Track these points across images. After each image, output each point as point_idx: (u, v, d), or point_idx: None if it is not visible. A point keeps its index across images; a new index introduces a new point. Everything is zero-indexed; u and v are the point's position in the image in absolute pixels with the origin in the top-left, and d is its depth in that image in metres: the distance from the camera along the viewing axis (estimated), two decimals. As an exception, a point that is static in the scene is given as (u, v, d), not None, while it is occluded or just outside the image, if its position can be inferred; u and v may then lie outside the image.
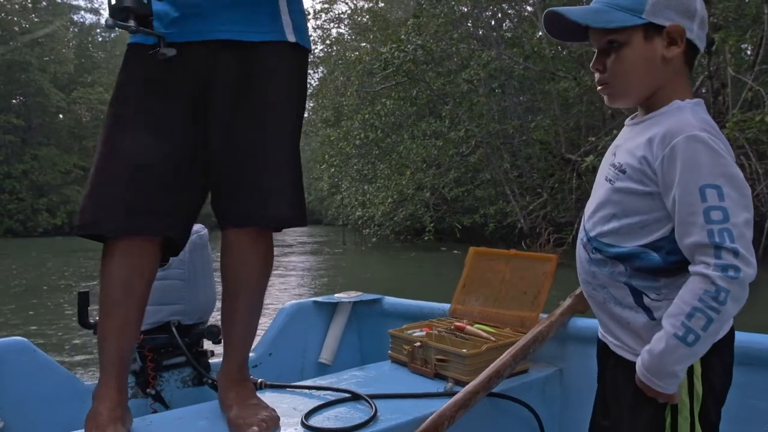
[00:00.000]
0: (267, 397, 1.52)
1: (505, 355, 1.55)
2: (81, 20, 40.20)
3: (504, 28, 15.89)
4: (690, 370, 1.06)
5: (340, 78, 18.53)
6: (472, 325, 1.84)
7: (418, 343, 1.71)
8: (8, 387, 1.70)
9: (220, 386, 1.48)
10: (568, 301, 1.74)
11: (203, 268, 1.96)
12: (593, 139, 11.34)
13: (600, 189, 1.17)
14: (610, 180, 1.13)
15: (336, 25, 23.25)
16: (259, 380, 1.64)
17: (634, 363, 1.08)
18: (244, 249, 1.44)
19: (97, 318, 1.85)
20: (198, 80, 1.40)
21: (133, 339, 1.46)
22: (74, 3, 36.57)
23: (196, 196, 1.47)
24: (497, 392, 1.55)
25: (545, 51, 13.05)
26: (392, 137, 15.77)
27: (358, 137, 15.62)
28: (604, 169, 1.18)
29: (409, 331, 1.84)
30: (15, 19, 34.29)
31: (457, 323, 1.86)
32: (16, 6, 34.75)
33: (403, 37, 13.85)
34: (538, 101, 14.60)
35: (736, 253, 0.97)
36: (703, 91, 10.50)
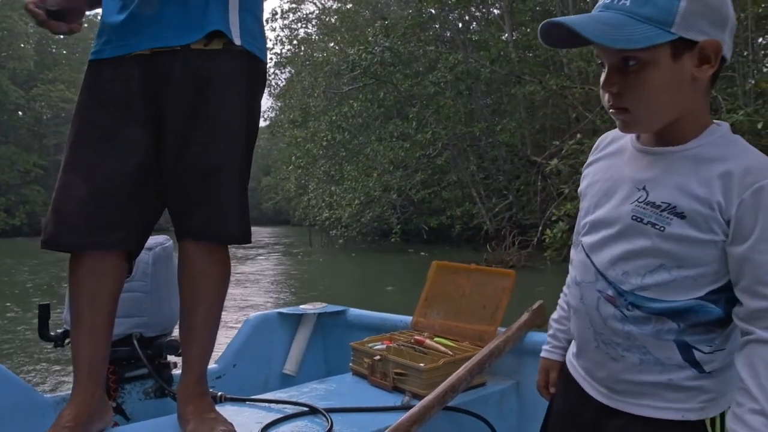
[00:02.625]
0: (226, 410, 1.53)
1: (461, 370, 1.59)
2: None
3: (471, 30, 16.05)
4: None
5: (308, 79, 18.48)
6: (432, 339, 1.88)
7: (378, 357, 1.75)
8: None
9: (179, 400, 1.50)
10: (525, 316, 1.79)
11: (167, 280, 1.96)
12: (558, 142, 11.54)
13: (630, 232, 0.96)
14: (653, 224, 0.93)
15: (303, 26, 23.18)
16: (219, 393, 1.65)
17: (673, 422, 0.96)
18: (200, 262, 1.47)
19: (59, 331, 1.86)
20: (154, 93, 1.42)
21: (103, 348, 1.47)
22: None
23: (154, 210, 1.50)
24: (454, 406, 1.59)
25: (511, 54, 13.23)
26: (359, 139, 15.83)
27: (325, 138, 15.64)
28: (619, 203, 0.99)
29: (370, 344, 1.87)
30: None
31: (417, 337, 1.90)
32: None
33: (370, 39, 13.90)
34: (505, 104, 14.80)
35: None
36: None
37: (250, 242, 1.51)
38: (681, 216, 0.91)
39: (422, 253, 14.30)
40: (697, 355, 0.95)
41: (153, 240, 1.91)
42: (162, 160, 1.44)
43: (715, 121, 0.96)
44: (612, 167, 1.04)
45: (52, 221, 1.38)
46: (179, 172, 1.43)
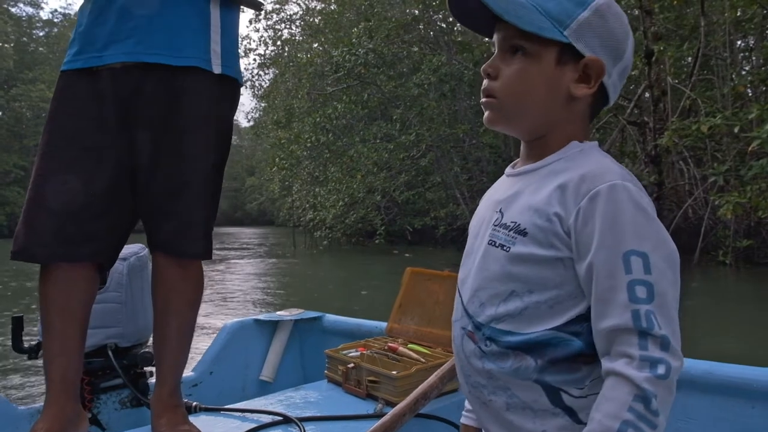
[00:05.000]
0: (200, 420, 1.55)
1: (433, 377, 1.61)
2: (19, 13, 38.77)
3: (455, 32, 16.12)
4: None
5: (292, 80, 18.46)
6: (405, 345, 1.91)
7: (352, 365, 1.77)
8: None
9: (153, 411, 1.51)
10: (495, 322, 1.81)
11: (142, 290, 1.97)
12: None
13: (485, 258, 0.90)
14: (502, 245, 0.87)
15: (287, 26, 23.14)
16: (194, 404, 1.66)
17: None
18: (172, 275, 1.49)
19: (33, 342, 1.86)
20: (125, 106, 1.43)
21: (76, 360, 1.48)
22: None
23: (126, 222, 1.51)
24: (426, 413, 1.62)
25: (494, 57, 13.29)
26: (343, 140, 15.84)
27: (309, 140, 15.63)
28: (482, 231, 0.93)
29: (344, 351, 1.89)
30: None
31: (391, 344, 1.92)
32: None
33: (354, 40, 13.92)
34: (488, 106, 14.85)
35: (666, 345, 0.75)
36: (647, 95, 10.91)
37: (210, 258, 1.52)
38: (523, 233, 0.85)
39: (407, 255, 14.35)
40: (567, 399, 0.83)
41: (128, 249, 1.91)
42: (135, 173, 1.45)
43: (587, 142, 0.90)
44: (487, 199, 0.99)
45: (22, 233, 1.39)
46: (149, 186, 1.45)
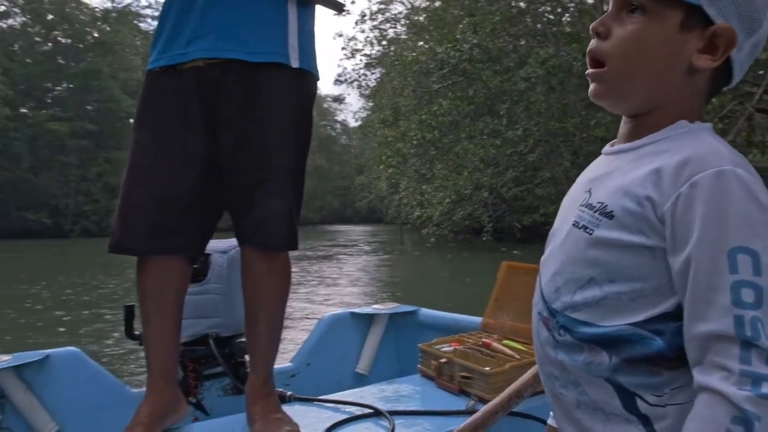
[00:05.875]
0: (293, 410, 1.57)
1: (527, 375, 1.54)
2: (147, 28, 41.65)
3: (563, 22, 15.59)
4: None
5: (397, 78, 18.59)
6: (500, 341, 1.85)
7: (444, 360, 1.74)
8: (62, 393, 1.83)
9: (248, 399, 1.55)
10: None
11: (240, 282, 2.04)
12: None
13: (567, 240, 0.83)
14: (585, 227, 0.79)
15: (392, 26, 23.34)
16: (288, 393, 1.70)
17: None
18: (260, 267, 1.52)
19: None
20: (209, 102, 1.48)
21: (172, 347, 1.55)
22: (141, 11, 37.89)
23: (213, 216, 1.56)
24: (519, 411, 1.56)
25: (606, 46, 12.72)
26: (449, 137, 15.73)
27: (415, 137, 15.65)
28: (570, 211, 0.84)
29: (438, 346, 1.86)
30: (87, 29, 35.93)
31: (485, 339, 1.87)
32: (90, 17, 36.43)
33: (459, 36, 13.79)
34: (600, 97, 14.24)
35: None
36: None
37: (295, 249, 1.54)
38: (609, 216, 0.76)
39: (515, 252, 14.05)
40: (642, 406, 0.74)
41: (227, 243, 1.99)
42: (220, 167, 1.50)
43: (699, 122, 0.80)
44: (581, 178, 0.90)
45: (118, 227, 1.47)
46: (233, 180, 1.49)
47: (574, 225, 0.82)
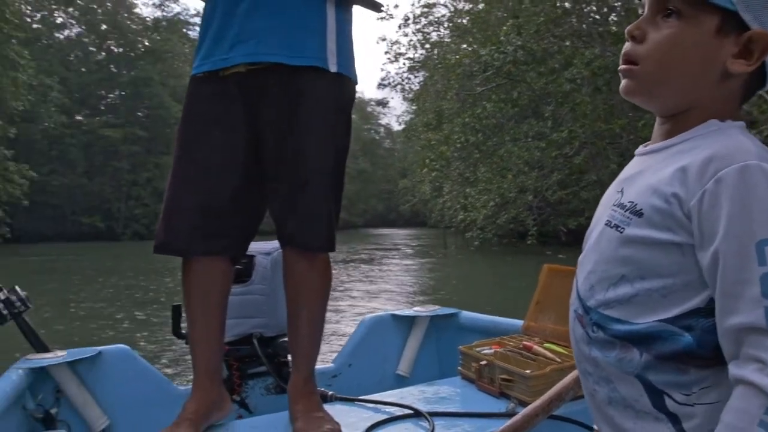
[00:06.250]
0: (335, 409, 1.60)
1: (568, 378, 1.53)
2: (196, 36, 42.70)
3: (609, 22, 15.31)
4: None
5: (441, 81, 18.55)
6: (541, 345, 1.84)
7: (484, 362, 1.73)
8: (113, 389, 1.89)
9: (290, 398, 1.58)
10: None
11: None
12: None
13: (600, 239, 0.85)
14: (617, 226, 0.81)
15: (435, 29, 23.30)
16: (330, 393, 1.72)
17: None
18: (300, 268, 1.55)
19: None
20: (251, 107, 1.52)
21: (216, 345, 1.59)
22: (190, 19, 38.78)
23: (254, 217, 1.60)
24: (559, 415, 1.54)
25: (654, 45, 12.45)
26: (493, 140, 15.63)
27: (458, 140, 15.60)
28: (604, 212, 0.87)
29: (478, 348, 1.86)
30: (139, 38, 36.98)
31: (526, 342, 1.86)
32: (141, 26, 37.49)
33: (502, 38, 13.69)
34: (648, 98, 13.93)
35: None
36: None
37: (333, 250, 1.56)
38: (639, 214, 0.78)
39: (560, 256, 13.83)
40: (670, 404, 0.75)
41: (271, 245, 2.02)
42: (261, 170, 1.54)
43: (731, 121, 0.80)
44: (616, 179, 0.92)
45: (162, 229, 1.52)
46: (275, 182, 1.52)
47: (606, 224, 0.84)
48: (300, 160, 1.51)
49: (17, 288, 1.87)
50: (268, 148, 1.52)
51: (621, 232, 0.80)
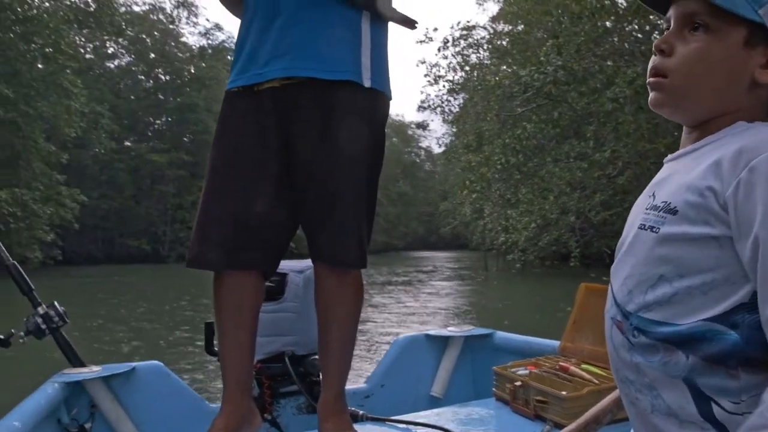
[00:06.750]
0: (365, 429, 1.58)
1: (606, 400, 1.47)
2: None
3: (652, 40, 15.06)
4: None
5: (481, 103, 18.52)
6: (578, 366, 1.78)
7: (519, 383, 1.69)
8: (146, 405, 1.91)
9: (319, 416, 1.56)
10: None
11: (316, 301, 2.07)
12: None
13: (634, 243, 0.84)
14: (651, 227, 0.80)
15: (475, 51, 23.34)
16: (361, 412, 1.70)
17: None
18: (332, 284, 1.54)
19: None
20: (284, 121, 1.52)
21: (247, 361, 1.59)
22: (233, 47, 39.79)
23: (286, 232, 1.60)
24: (597, 438, 1.48)
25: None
26: (534, 161, 15.46)
27: (499, 162, 15.48)
28: (636, 217, 0.87)
29: (513, 369, 1.81)
30: (185, 66, 38.05)
31: (562, 363, 1.80)
32: (187, 55, 38.59)
33: (542, 58, 13.61)
34: (693, 116, 13.63)
35: None
36: None
37: (365, 266, 1.55)
38: (674, 212, 0.77)
39: (604, 278, 13.48)
40: (718, 412, 0.72)
41: (303, 263, 2.02)
42: (294, 185, 1.54)
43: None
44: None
45: (195, 243, 1.53)
46: (307, 197, 1.52)
47: (640, 228, 0.83)
48: (331, 175, 1.50)
49: (56, 303, 1.91)
50: (300, 162, 1.52)
51: (656, 233, 0.79)
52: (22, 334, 1.86)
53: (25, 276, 1.89)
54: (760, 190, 0.69)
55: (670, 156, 0.89)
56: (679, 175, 0.81)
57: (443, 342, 2.36)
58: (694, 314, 0.74)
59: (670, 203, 0.79)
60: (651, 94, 0.85)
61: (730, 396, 0.72)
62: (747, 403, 0.71)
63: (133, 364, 1.93)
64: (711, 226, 0.73)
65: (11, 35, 21.06)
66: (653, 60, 0.85)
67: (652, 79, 0.84)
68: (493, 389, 1.83)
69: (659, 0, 0.86)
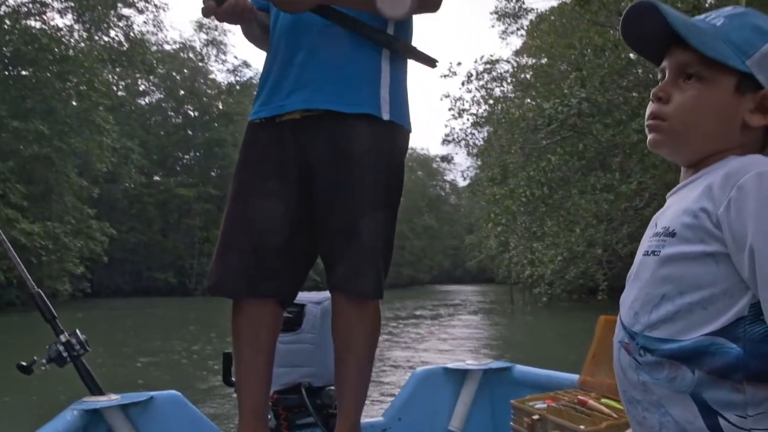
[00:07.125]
0: (381, 462, 1.56)
1: (625, 434, 1.45)
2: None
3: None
4: None
5: (505, 136, 18.56)
6: (597, 400, 1.74)
7: (537, 416, 1.66)
8: None
9: (335, 448, 1.55)
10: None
11: (334, 333, 2.07)
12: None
13: (639, 270, 0.90)
14: (653, 252, 0.86)
15: (498, 84, 23.49)
16: (376, 445, 1.68)
17: None
18: (348, 314, 1.55)
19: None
20: (304, 152, 1.55)
21: (264, 389, 1.60)
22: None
23: (305, 262, 1.62)
24: (615, 474, 1.45)
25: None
26: (559, 193, 15.37)
27: (523, 195, 15.43)
28: (643, 247, 0.92)
29: (531, 402, 1.79)
30: (214, 102, 38.87)
31: (581, 397, 1.77)
32: (215, 91, 39.45)
33: (566, 91, 13.63)
34: (721, 148, 13.49)
35: None
36: None
37: (381, 297, 1.55)
38: (672, 234, 0.83)
39: (633, 312, 13.29)
40: (725, 426, 0.75)
41: (321, 295, 2.03)
42: (313, 215, 1.56)
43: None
44: None
45: (215, 270, 1.56)
46: (326, 228, 1.54)
47: (644, 255, 0.89)
48: (350, 207, 1.52)
49: (77, 331, 1.93)
50: (319, 193, 1.55)
51: (657, 255, 0.85)
52: (44, 361, 1.88)
53: (49, 304, 1.92)
54: (749, 205, 0.74)
55: (671, 191, 0.95)
56: (676, 204, 0.88)
57: (461, 375, 2.34)
58: (696, 329, 0.78)
59: (669, 227, 0.84)
60: (650, 136, 0.92)
61: (736, 410, 0.75)
62: (754, 419, 0.74)
63: (151, 393, 1.94)
64: (706, 243, 0.79)
65: (48, 74, 21.81)
66: (651, 106, 0.91)
67: (651, 122, 0.91)
68: (511, 423, 1.80)
69: (653, 51, 0.93)
